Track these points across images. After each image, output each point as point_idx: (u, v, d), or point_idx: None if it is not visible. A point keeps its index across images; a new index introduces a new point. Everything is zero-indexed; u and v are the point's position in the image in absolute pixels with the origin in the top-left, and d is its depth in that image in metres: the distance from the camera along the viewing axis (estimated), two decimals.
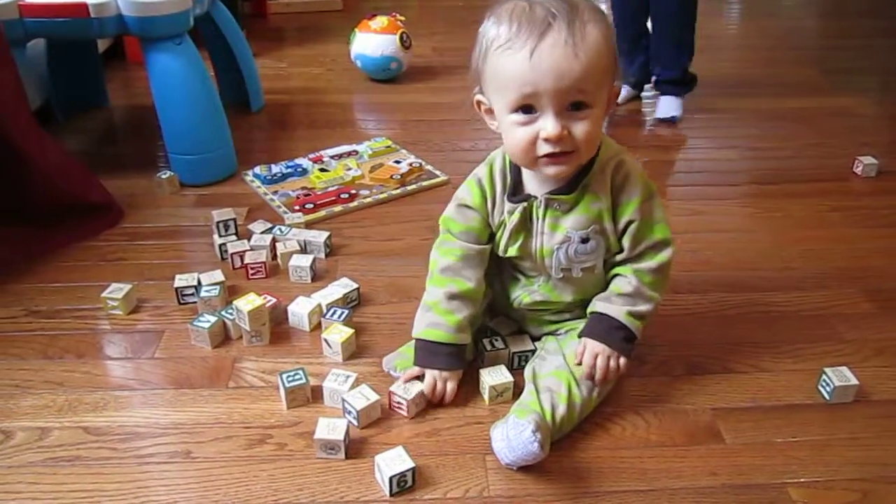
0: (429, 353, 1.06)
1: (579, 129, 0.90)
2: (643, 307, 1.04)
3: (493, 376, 1.06)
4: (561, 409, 0.98)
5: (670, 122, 2.05)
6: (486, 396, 1.07)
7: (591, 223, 1.00)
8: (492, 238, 1.07)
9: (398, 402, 1.05)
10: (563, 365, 1.04)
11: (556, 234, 1.02)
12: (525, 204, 1.01)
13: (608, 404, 1.07)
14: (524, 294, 1.10)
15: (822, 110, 2.16)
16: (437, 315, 1.06)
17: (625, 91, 2.17)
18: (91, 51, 2.11)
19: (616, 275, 1.05)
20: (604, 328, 1.03)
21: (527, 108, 0.90)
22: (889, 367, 1.15)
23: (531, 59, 0.87)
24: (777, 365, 1.15)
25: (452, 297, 1.06)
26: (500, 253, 1.07)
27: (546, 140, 0.90)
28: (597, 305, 1.05)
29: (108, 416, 1.05)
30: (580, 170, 0.98)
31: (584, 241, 1.01)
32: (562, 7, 0.87)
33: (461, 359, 1.07)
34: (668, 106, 2.06)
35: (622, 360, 1.03)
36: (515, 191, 1.03)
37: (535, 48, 0.86)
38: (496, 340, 1.13)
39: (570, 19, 0.87)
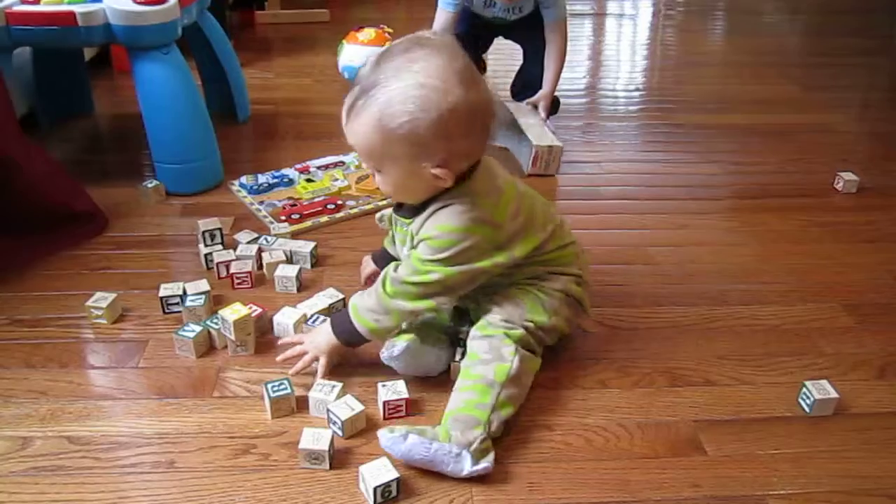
0: (351, 335, 1.10)
1: (376, 180, 1.05)
2: (365, 301, 1.09)
3: None
4: (462, 397, 1.02)
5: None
6: None
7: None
8: None
9: (397, 405, 1.06)
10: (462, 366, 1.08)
11: (403, 248, 1.13)
12: (391, 211, 1.16)
13: (591, 415, 1.08)
14: None
15: (804, 127, 2.20)
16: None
17: None
18: (77, 59, 2.10)
19: None
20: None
21: None
22: (868, 380, 1.17)
23: None
24: (758, 378, 1.17)
25: None
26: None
27: None
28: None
29: (92, 425, 1.04)
30: (421, 205, 1.06)
31: None
32: (364, 83, 0.97)
33: None
34: None
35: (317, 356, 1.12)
36: None
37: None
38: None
39: (358, 96, 0.97)
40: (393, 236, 1.26)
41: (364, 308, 1.08)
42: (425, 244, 1.04)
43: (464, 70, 0.96)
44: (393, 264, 1.10)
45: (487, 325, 1.10)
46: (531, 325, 1.10)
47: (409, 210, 1.09)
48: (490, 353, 1.05)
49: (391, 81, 0.94)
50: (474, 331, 1.10)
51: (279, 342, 1.19)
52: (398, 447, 0.95)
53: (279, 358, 1.14)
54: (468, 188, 1.04)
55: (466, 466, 0.95)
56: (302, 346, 1.13)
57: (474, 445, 0.96)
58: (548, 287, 1.13)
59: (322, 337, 1.12)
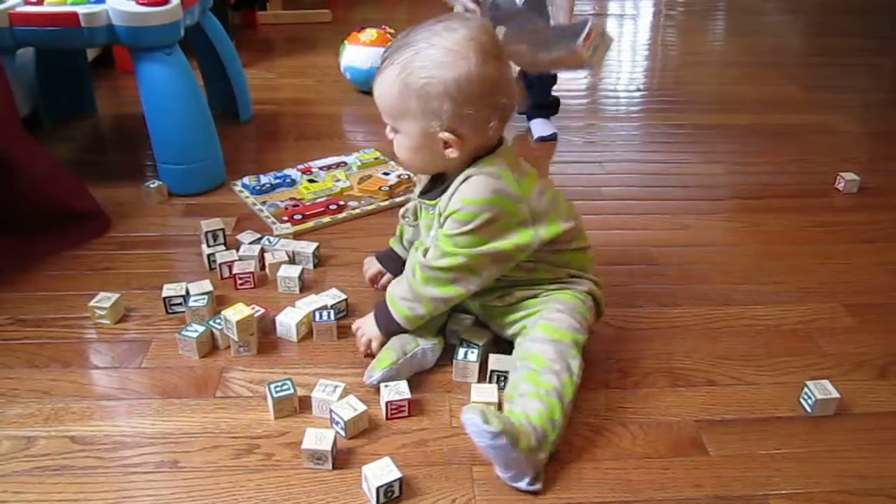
0: (390, 324, 1.14)
1: (394, 143, 1.09)
2: (398, 290, 1.13)
3: (480, 394, 1.07)
4: (534, 405, 0.99)
5: (551, 139, 2.06)
6: None
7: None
8: None
9: (399, 406, 1.06)
10: (523, 366, 1.06)
11: (430, 234, 1.14)
12: (416, 201, 1.18)
13: (593, 416, 1.08)
14: None
15: (805, 127, 2.20)
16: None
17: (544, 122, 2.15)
18: (80, 59, 2.11)
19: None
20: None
21: None
22: (869, 380, 1.17)
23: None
24: (760, 378, 1.17)
25: None
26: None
27: None
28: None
29: (95, 425, 1.05)
30: (445, 182, 1.09)
31: None
32: (398, 44, 1.04)
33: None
34: (542, 126, 2.08)
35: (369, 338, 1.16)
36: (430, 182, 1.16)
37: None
38: (470, 352, 1.14)
39: (385, 57, 1.04)
40: (401, 236, 1.31)
41: (398, 296, 1.12)
42: (451, 219, 1.06)
43: (487, 45, 1.02)
44: (421, 250, 1.12)
45: (552, 326, 1.09)
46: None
47: (435, 190, 1.11)
48: (559, 363, 1.04)
49: (418, 44, 1.01)
50: (538, 332, 1.09)
51: (353, 328, 1.20)
52: (484, 440, 0.93)
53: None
54: (490, 162, 1.07)
55: (524, 485, 0.95)
56: (359, 331, 1.18)
57: (539, 468, 0.96)
58: (580, 290, 1.15)
59: (370, 325, 1.16)
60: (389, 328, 1.14)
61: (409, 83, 1.01)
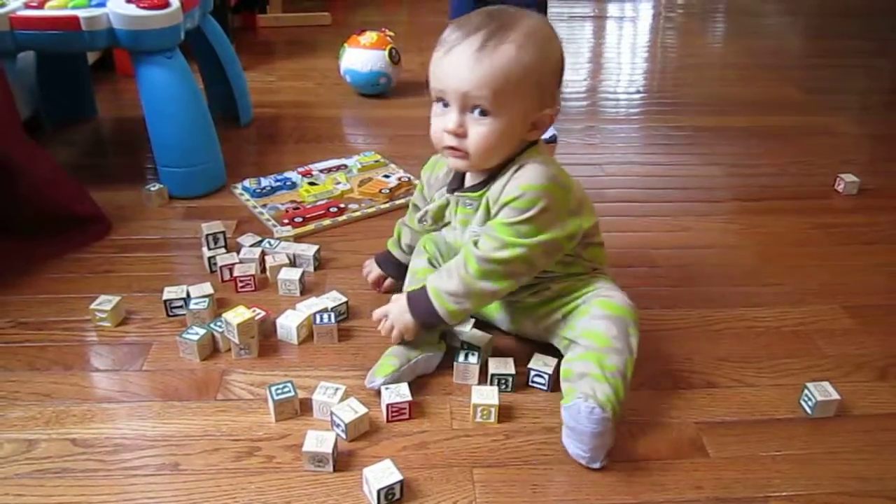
0: (429, 317, 1.10)
1: (474, 131, 1.02)
2: (444, 284, 1.08)
3: (481, 396, 1.07)
4: (602, 388, 0.99)
5: (551, 142, 2.04)
6: (471, 414, 1.07)
7: (487, 219, 1.08)
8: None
9: (400, 408, 1.06)
10: (585, 345, 1.06)
11: (467, 230, 1.12)
12: (446, 196, 1.16)
13: None
14: None
15: (804, 129, 2.20)
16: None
17: None
18: (81, 62, 2.11)
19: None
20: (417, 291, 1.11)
21: (443, 101, 1.03)
22: (869, 382, 1.17)
23: (444, 58, 1.01)
24: (760, 379, 1.17)
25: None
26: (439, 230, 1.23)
27: (445, 132, 1.03)
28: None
29: (96, 428, 1.05)
30: (493, 171, 1.07)
31: None
32: (496, 23, 1.00)
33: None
34: None
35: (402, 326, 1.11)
36: (453, 180, 1.15)
37: (450, 50, 1.00)
38: (471, 354, 1.14)
39: (492, 33, 0.99)
40: (399, 239, 1.31)
41: (444, 291, 1.07)
42: (509, 207, 1.03)
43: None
44: (470, 241, 1.09)
45: (611, 302, 1.09)
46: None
47: (477, 183, 1.10)
48: (621, 341, 1.04)
49: (517, 24, 1.00)
50: (596, 308, 1.08)
51: (374, 315, 1.16)
52: (596, 426, 0.95)
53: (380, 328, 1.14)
54: (537, 151, 1.07)
55: (598, 464, 0.98)
56: (387, 322, 1.13)
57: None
58: (609, 279, 1.17)
59: (400, 314, 1.11)
60: (428, 321, 1.10)
61: (526, 63, 0.99)
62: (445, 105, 1.03)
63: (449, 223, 1.21)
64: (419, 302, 1.10)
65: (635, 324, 1.08)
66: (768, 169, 1.93)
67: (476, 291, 1.06)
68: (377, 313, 1.15)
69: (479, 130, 1.02)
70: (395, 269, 1.31)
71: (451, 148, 1.04)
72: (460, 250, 1.11)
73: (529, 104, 1.02)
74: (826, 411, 1.09)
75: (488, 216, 1.08)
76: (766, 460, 1.02)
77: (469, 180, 1.12)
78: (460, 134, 1.02)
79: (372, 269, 1.36)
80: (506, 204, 1.03)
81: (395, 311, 1.12)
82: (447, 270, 1.08)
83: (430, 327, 1.12)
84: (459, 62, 0.99)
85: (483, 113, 1.01)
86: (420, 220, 1.22)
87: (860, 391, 1.15)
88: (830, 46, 3.16)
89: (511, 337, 1.24)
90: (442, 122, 1.04)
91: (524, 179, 1.03)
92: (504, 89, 0.99)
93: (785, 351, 1.23)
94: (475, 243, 1.07)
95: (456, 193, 1.13)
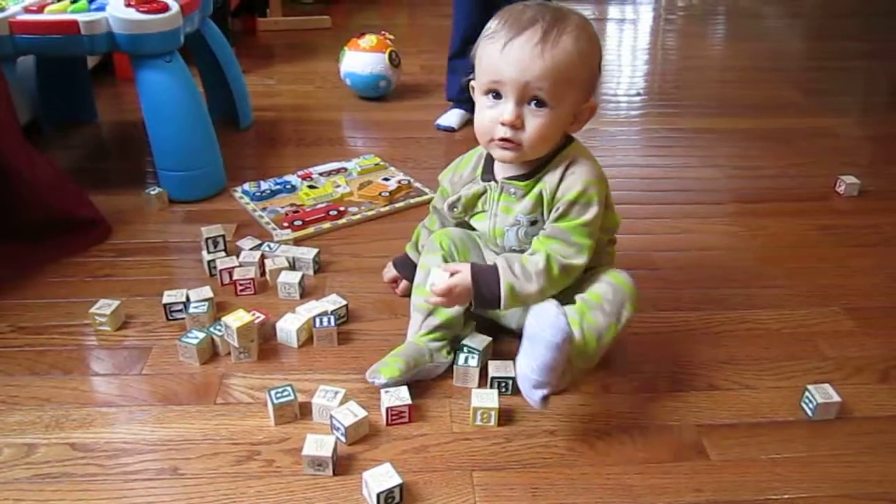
0: (488, 305, 1.11)
1: (532, 122, 1.02)
2: (523, 285, 1.08)
3: (480, 399, 1.07)
4: (576, 329, 1.01)
5: (447, 130, 2.03)
6: (470, 417, 1.07)
7: (538, 209, 1.10)
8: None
9: (400, 411, 1.06)
10: (579, 298, 1.09)
11: (509, 217, 1.12)
12: (484, 184, 1.14)
13: (594, 421, 1.08)
14: None
15: (805, 131, 2.20)
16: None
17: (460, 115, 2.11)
18: (80, 67, 2.11)
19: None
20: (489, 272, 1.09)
21: (495, 93, 1.03)
22: (870, 384, 1.17)
23: (503, 50, 1.00)
24: (761, 382, 1.17)
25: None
26: (466, 218, 1.20)
27: (502, 123, 1.02)
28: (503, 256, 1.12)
29: (95, 432, 1.05)
30: (540, 162, 1.08)
31: (533, 223, 1.11)
32: (550, 16, 1.01)
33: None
34: (450, 117, 2.05)
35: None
36: (485, 172, 1.15)
37: (509, 42, 1.00)
38: (471, 357, 1.14)
39: (550, 26, 1.00)
40: (416, 241, 1.31)
41: (523, 293, 1.07)
42: (579, 205, 1.06)
43: None
44: (548, 247, 1.07)
45: (616, 273, 1.12)
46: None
47: (524, 172, 1.10)
48: (612, 305, 1.07)
49: (568, 18, 1.02)
50: (601, 274, 1.12)
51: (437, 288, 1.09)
52: (555, 336, 0.94)
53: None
54: (579, 145, 1.10)
55: (538, 395, 0.97)
56: (451, 279, 1.08)
57: (555, 390, 1.00)
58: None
59: (466, 288, 1.08)
60: (488, 307, 1.11)
61: (586, 54, 1.01)
62: (496, 97, 1.03)
63: (480, 212, 1.17)
64: (486, 289, 1.07)
65: (633, 301, 1.09)
66: (769, 171, 1.93)
67: (547, 292, 1.08)
68: (442, 288, 1.07)
69: (536, 122, 1.02)
70: (411, 272, 1.30)
71: (504, 139, 1.04)
72: (501, 237, 1.14)
73: (580, 96, 1.04)
74: (827, 414, 1.09)
75: (540, 205, 1.09)
76: (766, 463, 1.01)
77: (505, 170, 1.12)
78: (517, 126, 1.02)
79: (388, 270, 1.37)
80: (573, 201, 1.05)
81: (463, 283, 1.08)
82: (523, 272, 1.07)
83: (482, 310, 1.15)
84: (522, 54, 0.99)
85: (539, 104, 1.01)
86: (451, 207, 1.19)
87: (861, 393, 1.14)
88: (831, 48, 3.16)
89: (511, 340, 1.23)
90: (494, 113, 1.03)
91: (584, 174, 1.06)
92: (562, 81, 1.00)
93: (786, 353, 1.23)
94: (553, 248, 1.07)
95: (502, 180, 1.12)
